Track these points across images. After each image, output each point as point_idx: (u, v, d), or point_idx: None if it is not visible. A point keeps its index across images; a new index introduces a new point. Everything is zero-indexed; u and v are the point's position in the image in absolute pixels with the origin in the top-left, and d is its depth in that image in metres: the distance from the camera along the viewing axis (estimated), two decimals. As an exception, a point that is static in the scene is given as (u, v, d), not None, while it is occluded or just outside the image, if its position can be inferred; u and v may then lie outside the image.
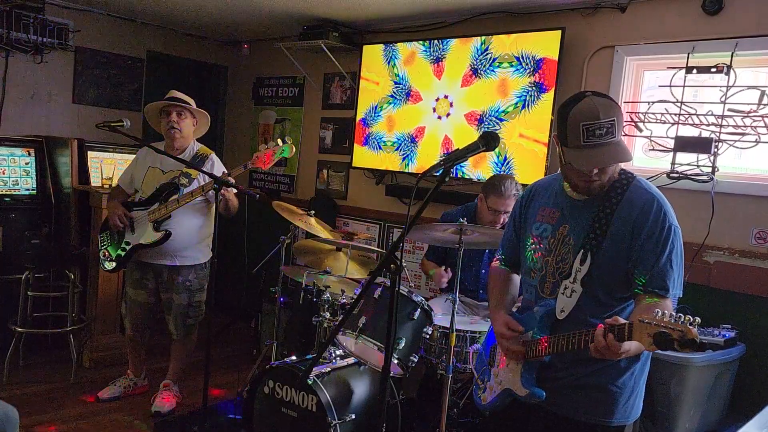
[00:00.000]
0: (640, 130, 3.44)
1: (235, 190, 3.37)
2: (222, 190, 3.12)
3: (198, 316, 3.68)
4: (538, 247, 1.96)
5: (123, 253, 3.52)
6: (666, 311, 1.50)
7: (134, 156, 3.80)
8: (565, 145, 1.79)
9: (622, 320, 1.60)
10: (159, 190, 3.48)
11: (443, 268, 3.25)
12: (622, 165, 1.91)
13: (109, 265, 3.60)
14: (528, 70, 3.79)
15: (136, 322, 3.71)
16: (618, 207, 1.83)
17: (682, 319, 1.44)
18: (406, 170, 4.44)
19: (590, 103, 1.74)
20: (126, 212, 3.52)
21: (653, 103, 3.39)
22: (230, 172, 3.29)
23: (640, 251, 1.78)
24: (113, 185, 4.01)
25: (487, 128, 3.96)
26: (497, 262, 2.21)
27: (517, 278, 2.18)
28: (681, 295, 1.81)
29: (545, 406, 1.91)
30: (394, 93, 4.49)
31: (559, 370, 1.90)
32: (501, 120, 3.92)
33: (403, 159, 4.43)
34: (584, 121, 1.72)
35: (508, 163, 3.89)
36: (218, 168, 3.54)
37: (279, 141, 3.34)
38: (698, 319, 1.44)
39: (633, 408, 1.92)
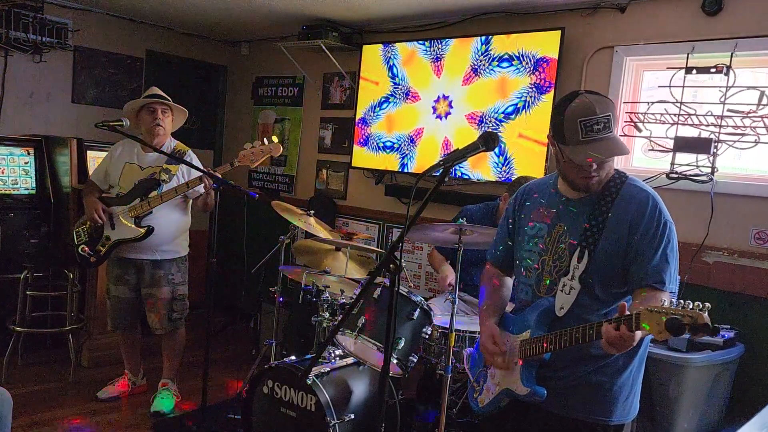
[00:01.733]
0: (640, 131, 3.44)
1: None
2: (203, 187, 3.30)
3: (183, 310, 3.69)
4: (533, 246, 1.97)
5: (103, 249, 3.52)
6: (666, 301, 1.52)
7: (107, 152, 3.78)
8: (563, 143, 1.81)
9: (627, 311, 1.61)
10: (139, 186, 3.49)
11: (449, 276, 3.25)
12: (622, 167, 1.92)
13: (92, 260, 3.59)
14: (528, 70, 3.79)
15: (118, 317, 3.70)
16: (613, 205, 1.85)
17: (691, 306, 1.46)
18: (406, 170, 4.44)
19: (585, 100, 1.78)
20: (105, 208, 3.51)
21: (653, 103, 3.39)
22: (216, 169, 3.32)
23: (636, 247, 1.81)
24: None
25: (488, 129, 3.96)
26: (491, 263, 2.21)
27: (509, 281, 2.19)
28: (675, 291, 1.82)
29: (544, 405, 1.91)
30: (393, 93, 4.49)
31: (558, 369, 1.90)
32: (501, 121, 3.92)
33: (402, 159, 4.43)
34: (581, 117, 1.76)
35: (508, 164, 3.89)
36: (195, 164, 3.56)
37: (265, 140, 3.38)
38: (708, 305, 1.45)
39: (631, 407, 1.94)
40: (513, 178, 3.83)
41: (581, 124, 1.75)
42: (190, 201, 3.62)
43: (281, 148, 3.43)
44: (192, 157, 3.59)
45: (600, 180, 1.85)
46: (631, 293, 1.85)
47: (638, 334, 1.58)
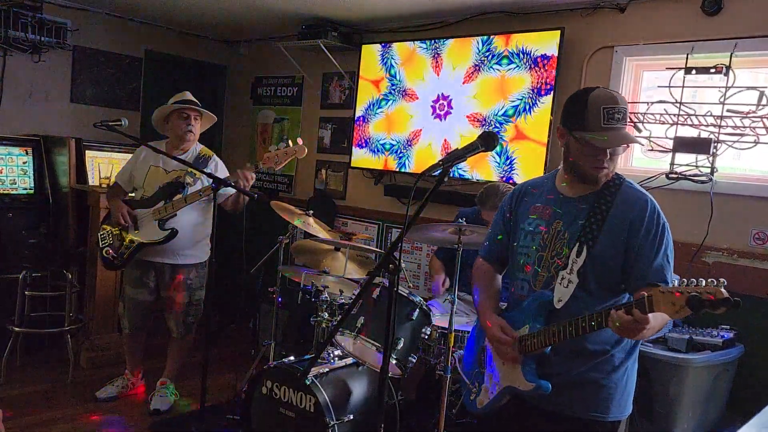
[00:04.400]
0: (639, 131, 3.44)
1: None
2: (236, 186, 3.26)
3: (197, 314, 3.70)
4: (531, 242, 1.98)
5: (127, 251, 3.52)
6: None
7: (132, 154, 3.80)
8: (582, 129, 1.83)
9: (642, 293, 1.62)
10: (163, 189, 3.48)
11: (442, 279, 3.36)
12: (621, 167, 1.93)
13: (116, 262, 3.59)
14: (528, 70, 3.79)
15: (135, 320, 3.70)
16: (613, 204, 1.88)
17: (704, 283, 1.47)
18: (405, 170, 4.43)
19: (606, 91, 1.86)
20: (130, 211, 3.52)
21: (652, 103, 3.39)
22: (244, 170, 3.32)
23: (638, 248, 1.84)
24: (110, 183, 4.01)
25: (488, 129, 3.95)
26: (482, 258, 2.22)
27: (499, 279, 2.21)
28: None
29: (541, 403, 1.92)
30: (393, 93, 4.48)
31: (555, 366, 1.90)
32: (501, 123, 3.92)
33: (400, 159, 4.42)
34: (605, 104, 1.81)
35: (510, 164, 3.89)
36: (221, 169, 3.59)
37: (290, 142, 3.36)
38: (723, 280, 1.46)
39: (626, 404, 1.96)
40: (514, 178, 3.85)
41: (604, 110, 1.80)
42: (211, 206, 3.58)
43: (306, 150, 3.41)
44: (217, 161, 3.61)
45: (608, 173, 1.89)
46: (631, 292, 1.87)
47: (651, 316, 1.59)
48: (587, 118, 1.82)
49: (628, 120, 1.86)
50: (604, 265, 1.86)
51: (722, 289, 1.44)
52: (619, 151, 1.87)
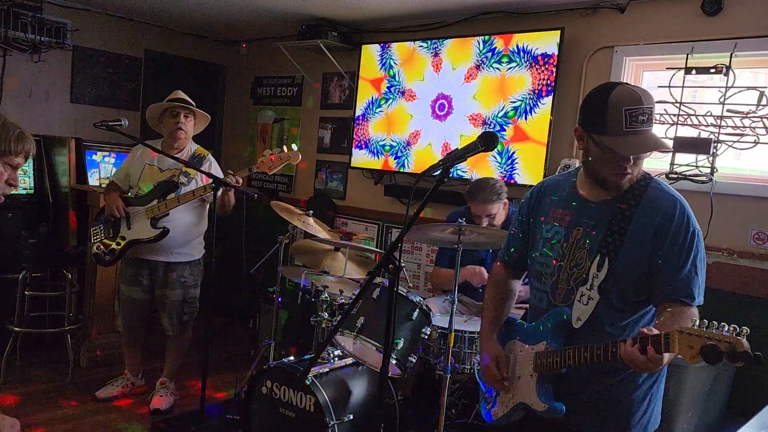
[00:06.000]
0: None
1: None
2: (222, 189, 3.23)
3: (192, 312, 3.69)
4: (549, 251, 1.85)
5: (118, 248, 3.52)
6: (697, 320, 1.43)
7: (129, 154, 3.80)
8: (603, 132, 1.67)
9: (655, 330, 1.50)
10: (157, 187, 3.48)
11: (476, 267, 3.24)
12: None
13: (107, 258, 3.59)
14: (528, 68, 3.79)
15: (130, 319, 3.71)
16: (637, 209, 1.73)
17: (726, 329, 1.36)
18: (404, 170, 4.43)
19: (629, 89, 1.67)
20: (123, 206, 3.52)
21: (652, 103, 3.39)
22: (235, 173, 3.33)
23: (664, 258, 1.69)
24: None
25: (488, 129, 3.95)
26: (500, 263, 2.10)
27: (516, 285, 2.09)
28: (702, 303, 1.72)
29: (560, 420, 1.81)
30: (393, 93, 4.48)
31: (575, 383, 1.80)
32: (501, 125, 3.92)
33: (400, 159, 4.42)
34: (627, 106, 1.64)
35: (510, 164, 3.89)
36: (215, 169, 3.59)
37: (285, 148, 3.37)
38: (746, 329, 1.37)
39: (650, 420, 1.84)
40: (515, 178, 3.85)
41: (627, 113, 1.63)
42: (207, 205, 3.60)
43: (300, 156, 3.43)
44: (211, 161, 3.61)
45: (632, 178, 1.73)
46: (655, 305, 1.75)
47: (667, 356, 1.48)
48: (608, 121, 1.65)
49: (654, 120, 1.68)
50: (628, 278, 1.72)
51: (743, 340, 1.34)
52: (644, 156, 1.71)
